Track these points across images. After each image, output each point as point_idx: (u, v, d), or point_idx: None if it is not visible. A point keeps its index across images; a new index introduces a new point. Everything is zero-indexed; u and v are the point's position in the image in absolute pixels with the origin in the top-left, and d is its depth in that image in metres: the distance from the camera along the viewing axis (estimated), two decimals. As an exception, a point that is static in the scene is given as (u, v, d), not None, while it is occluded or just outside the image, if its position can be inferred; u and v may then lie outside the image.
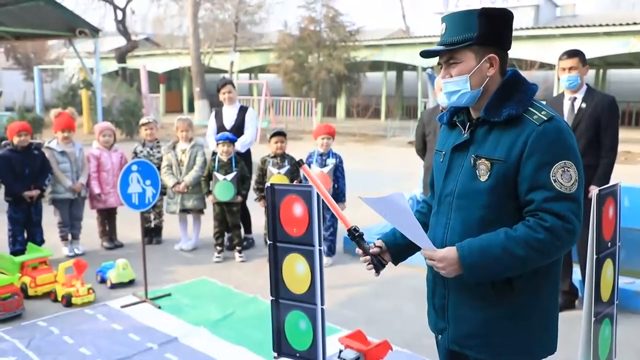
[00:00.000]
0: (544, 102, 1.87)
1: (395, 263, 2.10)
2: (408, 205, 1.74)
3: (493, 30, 1.78)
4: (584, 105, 3.99)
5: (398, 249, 2.06)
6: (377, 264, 1.98)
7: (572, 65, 3.97)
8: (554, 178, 1.70)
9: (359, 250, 2.00)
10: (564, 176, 1.70)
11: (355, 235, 1.96)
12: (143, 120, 6.31)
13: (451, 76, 1.83)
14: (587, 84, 4.07)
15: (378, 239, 2.09)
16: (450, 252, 1.76)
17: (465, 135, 1.87)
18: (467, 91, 1.82)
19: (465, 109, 1.92)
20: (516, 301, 1.81)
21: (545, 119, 1.74)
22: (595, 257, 2.01)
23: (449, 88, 1.84)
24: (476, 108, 1.87)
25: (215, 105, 6.78)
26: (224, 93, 5.88)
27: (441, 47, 1.82)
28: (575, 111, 4.02)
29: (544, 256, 1.72)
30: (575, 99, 4.04)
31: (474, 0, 22.59)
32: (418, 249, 2.01)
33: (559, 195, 1.70)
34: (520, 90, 1.81)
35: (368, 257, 1.98)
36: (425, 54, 1.89)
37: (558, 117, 1.78)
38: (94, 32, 14.63)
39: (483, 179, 1.78)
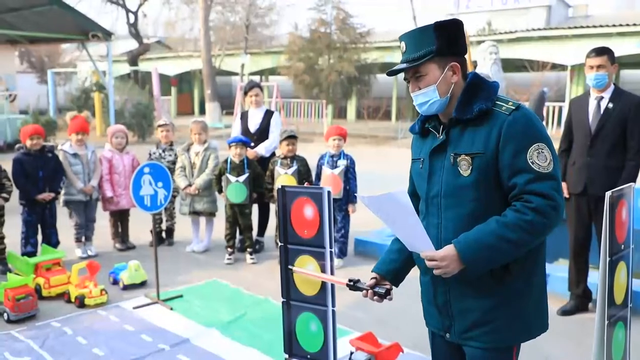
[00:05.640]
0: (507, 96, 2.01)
1: (397, 285, 2.16)
2: (410, 204, 1.77)
3: (450, 40, 1.91)
4: (610, 105, 3.88)
5: (392, 274, 2.13)
6: (380, 292, 2.05)
7: (600, 63, 3.86)
8: (531, 161, 1.81)
9: (364, 293, 2.09)
10: (539, 157, 1.81)
11: (352, 285, 2.10)
12: (160, 122, 6.36)
13: (419, 88, 1.95)
14: (614, 84, 3.96)
15: (372, 271, 2.16)
16: (449, 250, 1.82)
17: (441, 137, 1.97)
18: (437, 99, 1.93)
19: (434, 115, 2.03)
20: (513, 285, 1.91)
21: (513, 108, 1.86)
22: (608, 259, 2.00)
23: (420, 100, 1.96)
24: (445, 113, 1.98)
25: (226, 107, 6.81)
26: (250, 96, 5.89)
27: (404, 65, 1.94)
28: (602, 111, 3.91)
29: (535, 235, 1.80)
30: (601, 98, 3.93)
31: (485, 1, 22.51)
32: (412, 265, 2.13)
33: (539, 176, 1.80)
34: (484, 89, 1.93)
35: (369, 292, 2.06)
36: (391, 73, 2.01)
37: (524, 105, 1.91)
38: (107, 35, 14.75)
39: (466, 174, 1.88)
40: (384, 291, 2.03)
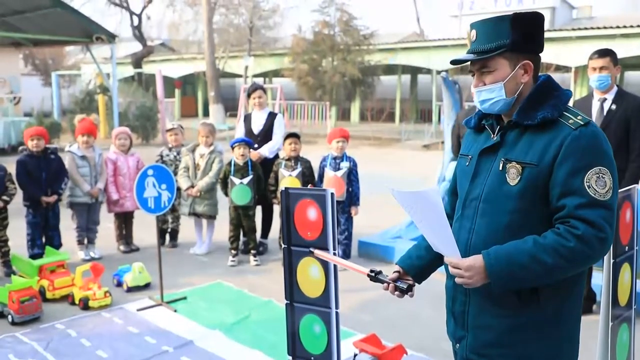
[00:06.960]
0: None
1: (419, 282, 2.03)
2: (442, 204, 1.66)
3: (526, 36, 1.74)
4: (614, 106, 3.88)
5: (416, 270, 2.01)
6: (401, 288, 1.91)
7: (603, 64, 3.85)
8: (588, 184, 1.64)
9: (384, 286, 1.95)
10: (598, 182, 1.64)
11: (374, 276, 1.94)
12: (168, 126, 6.38)
13: (484, 84, 1.80)
14: (617, 85, 3.96)
15: (395, 264, 2.05)
16: (477, 260, 1.68)
17: (495, 138, 1.82)
18: (502, 98, 1.78)
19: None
20: (540, 311, 1.75)
21: (582, 123, 1.69)
22: (612, 261, 1.99)
23: (483, 96, 1.81)
24: (507, 114, 1.83)
25: (230, 109, 6.81)
26: (254, 98, 5.90)
27: (472, 56, 1.78)
28: (605, 113, 3.90)
29: (574, 265, 1.65)
30: (605, 100, 3.93)
31: (488, 2, 22.49)
32: (439, 265, 1.99)
33: (593, 202, 1.63)
34: (555, 95, 1.77)
35: (391, 285, 1.93)
36: (456, 62, 1.85)
37: (594, 122, 1.73)
38: (111, 38, 14.81)
39: (513, 183, 1.73)
40: (405, 287, 1.90)
